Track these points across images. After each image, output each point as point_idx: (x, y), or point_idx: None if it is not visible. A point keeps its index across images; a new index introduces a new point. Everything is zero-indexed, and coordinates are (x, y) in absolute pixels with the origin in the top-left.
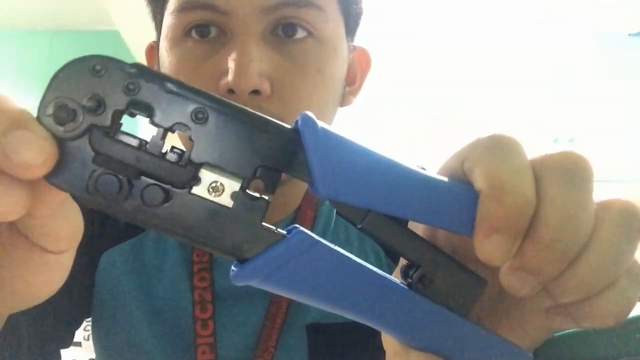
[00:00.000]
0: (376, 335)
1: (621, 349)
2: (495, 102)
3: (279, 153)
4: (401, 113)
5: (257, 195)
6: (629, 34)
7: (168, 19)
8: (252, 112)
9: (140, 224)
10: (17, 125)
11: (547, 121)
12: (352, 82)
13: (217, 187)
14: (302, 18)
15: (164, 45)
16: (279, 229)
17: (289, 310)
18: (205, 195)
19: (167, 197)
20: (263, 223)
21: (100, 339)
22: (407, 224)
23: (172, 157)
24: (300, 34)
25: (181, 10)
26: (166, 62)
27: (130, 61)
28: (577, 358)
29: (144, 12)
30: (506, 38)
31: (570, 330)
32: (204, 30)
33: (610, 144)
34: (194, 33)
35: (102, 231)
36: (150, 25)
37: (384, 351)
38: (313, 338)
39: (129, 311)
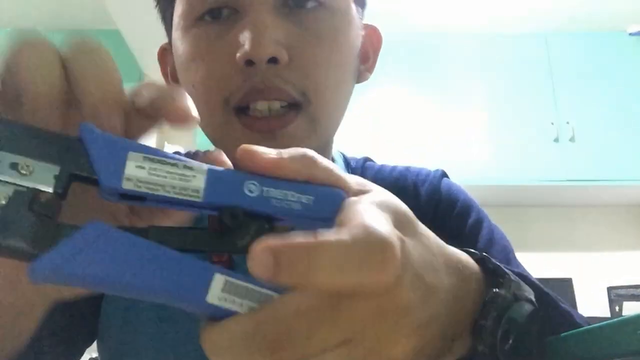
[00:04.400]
0: None
1: (621, 348)
2: (496, 102)
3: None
4: (397, 102)
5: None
6: (629, 34)
7: (179, 8)
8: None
9: None
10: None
11: (547, 121)
12: (366, 60)
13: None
14: None
15: (176, 36)
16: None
17: None
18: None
19: None
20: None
21: (108, 348)
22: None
23: None
24: (311, 4)
25: None
26: (180, 50)
27: (130, 62)
28: (577, 358)
29: (144, 12)
30: (506, 38)
31: (571, 331)
32: (216, 12)
33: (610, 144)
34: (206, 17)
35: None
36: (150, 24)
37: None
38: None
39: (139, 318)
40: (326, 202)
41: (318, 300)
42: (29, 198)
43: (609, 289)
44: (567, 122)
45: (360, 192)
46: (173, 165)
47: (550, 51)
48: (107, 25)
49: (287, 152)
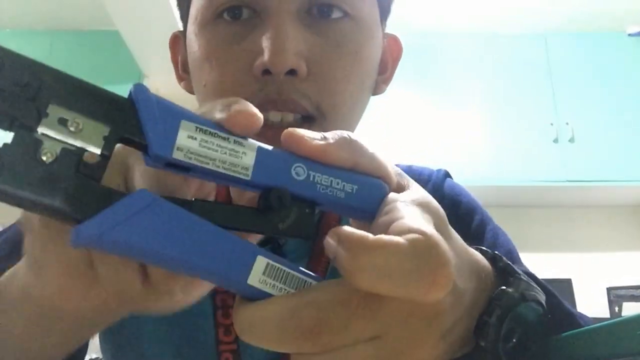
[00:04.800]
0: None
1: (620, 349)
2: (495, 103)
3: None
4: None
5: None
6: (629, 34)
7: (197, 1)
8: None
9: None
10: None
11: (546, 122)
12: (384, 70)
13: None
14: None
15: (192, 30)
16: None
17: None
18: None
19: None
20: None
21: (110, 351)
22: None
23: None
24: (336, 14)
25: None
26: (195, 46)
27: (130, 62)
28: (578, 358)
29: (144, 13)
30: (505, 39)
31: (571, 331)
32: (236, 11)
33: (609, 145)
34: (225, 15)
35: None
36: (150, 24)
37: None
38: None
39: (143, 321)
40: (369, 193)
41: (358, 295)
42: (76, 158)
43: (609, 290)
44: (567, 123)
45: (401, 186)
46: (225, 139)
47: (549, 52)
48: (107, 25)
49: (332, 138)
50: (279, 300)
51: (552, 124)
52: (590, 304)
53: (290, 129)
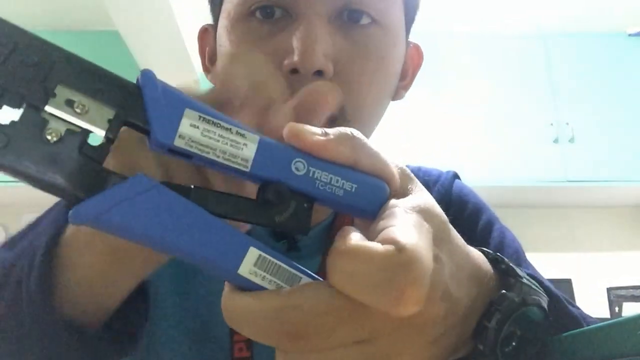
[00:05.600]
0: None
1: (620, 349)
2: (495, 103)
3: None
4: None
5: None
6: (629, 34)
7: None
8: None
9: None
10: None
11: (546, 122)
12: (404, 77)
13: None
14: (368, 5)
15: (223, 25)
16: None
17: None
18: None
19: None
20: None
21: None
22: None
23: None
24: (365, 20)
25: None
26: (225, 41)
27: (130, 62)
28: (577, 358)
29: (144, 13)
30: (505, 39)
31: (572, 331)
32: (269, 11)
33: (609, 145)
34: (258, 13)
35: None
36: (150, 25)
37: None
38: None
39: (160, 312)
40: (368, 193)
41: (344, 300)
42: (80, 139)
43: (609, 290)
44: (567, 123)
45: (404, 189)
46: (227, 129)
47: (549, 52)
48: (107, 25)
49: (334, 134)
50: (267, 297)
51: (552, 124)
52: (590, 304)
53: (291, 123)
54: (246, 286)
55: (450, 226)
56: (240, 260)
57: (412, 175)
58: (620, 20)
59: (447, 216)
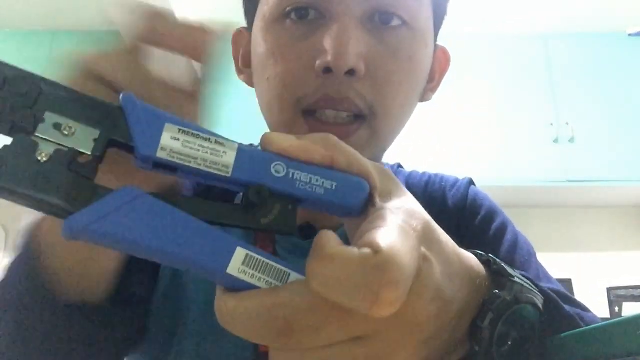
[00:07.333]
0: None
1: (620, 348)
2: (495, 103)
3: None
4: None
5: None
6: (629, 34)
7: (268, 0)
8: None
9: None
10: None
11: (546, 122)
12: (432, 79)
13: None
14: (399, 7)
15: (259, 26)
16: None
17: None
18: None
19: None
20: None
21: (157, 344)
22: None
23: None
24: (396, 22)
25: None
26: (261, 42)
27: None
28: (577, 358)
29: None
30: (505, 39)
31: (572, 331)
32: (303, 12)
33: (610, 145)
34: (293, 15)
35: None
36: None
37: None
38: None
39: (188, 304)
40: (348, 190)
41: (323, 302)
42: (68, 158)
43: (609, 290)
44: (567, 123)
45: (387, 191)
46: (206, 140)
47: (549, 52)
48: (107, 25)
49: (308, 137)
50: (256, 296)
51: (552, 124)
52: (591, 304)
53: (266, 132)
54: (237, 286)
55: (437, 227)
56: (228, 260)
57: (392, 175)
58: (620, 20)
59: (461, 220)
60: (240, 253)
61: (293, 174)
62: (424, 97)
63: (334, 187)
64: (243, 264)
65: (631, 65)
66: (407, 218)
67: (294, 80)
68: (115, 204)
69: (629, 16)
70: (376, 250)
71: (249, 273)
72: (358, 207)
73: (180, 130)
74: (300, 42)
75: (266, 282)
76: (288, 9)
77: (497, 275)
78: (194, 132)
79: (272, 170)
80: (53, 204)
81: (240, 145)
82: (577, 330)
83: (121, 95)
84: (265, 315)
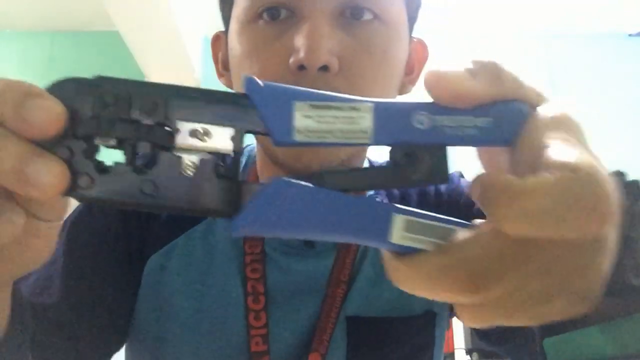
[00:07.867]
0: (417, 333)
1: (622, 348)
2: None
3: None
4: None
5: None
6: (629, 34)
7: (241, 2)
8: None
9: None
10: (31, 94)
11: None
12: (410, 72)
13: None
14: (370, 1)
15: (234, 29)
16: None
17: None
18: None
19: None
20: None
21: (144, 347)
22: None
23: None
24: (367, 16)
25: None
26: (237, 44)
27: (130, 62)
28: (579, 357)
29: (144, 13)
30: (506, 39)
31: (570, 332)
32: (274, 12)
33: (610, 145)
34: (265, 15)
35: (144, 238)
36: (150, 25)
37: (423, 348)
38: (353, 330)
39: (176, 311)
40: (506, 123)
41: (511, 244)
42: (213, 163)
43: None
44: None
45: (539, 97)
46: (339, 109)
47: (550, 52)
48: (107, 26)
49: (476, 72)
50: (429, 258)
51: None
52: None
53: (432, 70)
54: (406, 251)
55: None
56: (388, 228)
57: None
58: (620, 20)
59: (458, 211)
60: (399, 220)
61: (439, 121)
62: (403, 90)
63: (489, 124)
64: (405, 230)
65: (631, 65)
66: (565, 127)
67: (270, 79)
68: (272, 198)
69: (629, 16)
70: (572, 168)
71: (413, 238)
72: (515, 135)
73: (310, 105)
74: (273, 42)
75: (432, 244)
76: (260, 9)
77: (631, 187)
78: (324, 103)
79: (415, 123)
80: (215, 210)
81: (375, 103)
82: (577, 330)
83: (244, 81)
84: (443, 275)
